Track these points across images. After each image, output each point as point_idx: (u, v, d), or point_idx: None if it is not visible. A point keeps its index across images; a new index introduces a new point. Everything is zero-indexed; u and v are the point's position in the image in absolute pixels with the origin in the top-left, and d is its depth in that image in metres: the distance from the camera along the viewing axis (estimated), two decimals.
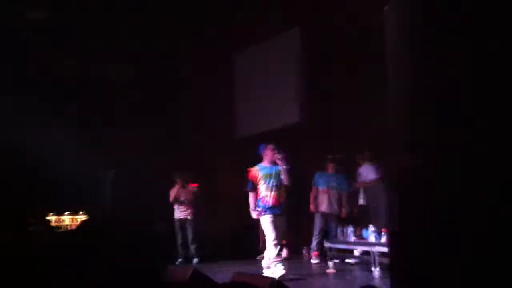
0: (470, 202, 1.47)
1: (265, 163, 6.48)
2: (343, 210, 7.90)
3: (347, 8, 7.70)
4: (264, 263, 6.35)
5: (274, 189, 6.33)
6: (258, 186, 6.39)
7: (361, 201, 7.97)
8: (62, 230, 11.90)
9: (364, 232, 6.77)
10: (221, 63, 10.33)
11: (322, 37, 8.50)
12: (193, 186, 9.13)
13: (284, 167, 6.29)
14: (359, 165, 7.98)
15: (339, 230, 7.17)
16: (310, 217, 8.14)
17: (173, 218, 9.05)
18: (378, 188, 7.47)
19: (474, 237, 1.49)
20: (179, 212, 9.03)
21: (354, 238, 6.89)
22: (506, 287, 1.45)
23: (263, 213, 6.30)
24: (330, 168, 8.05)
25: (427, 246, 1.58)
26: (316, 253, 7.83)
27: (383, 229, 6.31)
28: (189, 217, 8.99)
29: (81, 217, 12.16)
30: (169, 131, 9.83)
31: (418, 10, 1.84)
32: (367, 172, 7.82)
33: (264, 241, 6.73)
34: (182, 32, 9.14)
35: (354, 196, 8.06)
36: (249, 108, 10.02)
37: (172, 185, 9.07)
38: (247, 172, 6.57)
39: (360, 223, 7.21)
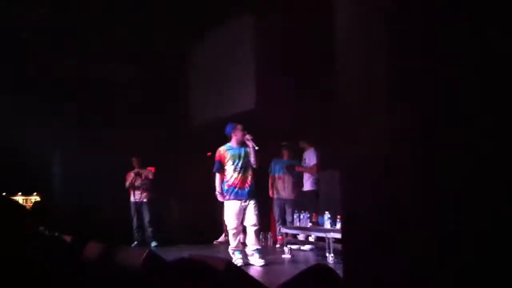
0: (471, 202, 1.50)
1: (233, 144, 6.24)
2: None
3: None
4: (248, 250, 6.18)
5: (241, 171, 6.05)
6: (225, 168, 6.14)
7: (306, 187, 8.08)
8: None
9: (320, 219, 6.87)
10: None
11: (279, 26, 8.48)
12: (148, 170, 9.07)
13: (253, 147, 6.06)
14: (304, 150, 8.17)
15: (295, 216, 7.25)
16: (265, 203, 8.21)
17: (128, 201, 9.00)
18: (331, 174, 7.58)
19: (475, 238, 1.52)
20: (134, 196, 8.98)
21: (310, 224, 6.99)
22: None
23: (227, 198, 6.06)
24: (285, 154, 8.21)
25: (427, 246, 1.60)
26: (280, 238, 7.85)
27: (338, 216, 6.42)
28: (144, 200, 8.95)
29: (34, 198, 11.96)
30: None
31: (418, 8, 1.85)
32: (310, 158, 7.99)
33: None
34: (182, 32, 9.02)
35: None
36: (204, 95, 9.97)
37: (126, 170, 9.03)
38: (213, 153, 6.45)
39: (304, 208, 7.32)
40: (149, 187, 9.01)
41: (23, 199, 12.12)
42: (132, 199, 9.00)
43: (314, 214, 7.05)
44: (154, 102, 9.74)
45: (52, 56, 8.73)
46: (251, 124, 8.11)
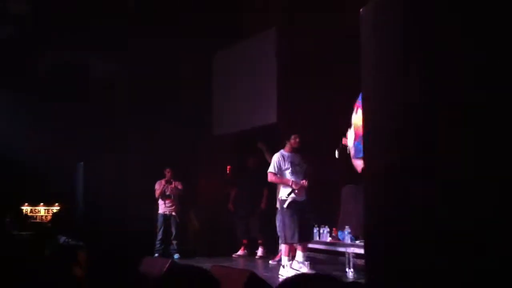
0: (468, 200, 1.52)
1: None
2: None
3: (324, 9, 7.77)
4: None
5: None
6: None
7: None
8: (37, 220, 11.86)
9: (340, 234, 6.83)
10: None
11: (299, 37, 8.55)
12: (177, 183, 9.11)
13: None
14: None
15: (315, 230, 7.21)
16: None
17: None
18: (350, 188, 7.51)
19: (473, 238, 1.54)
20: (164, 207, 9.01)
21: (330, 238, 6.96)
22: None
23: None
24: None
25: (452, 257, 1.62)
26: None
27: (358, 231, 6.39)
28: (173, 213, 8.99)
29: (56, 208, 12.10)
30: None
31: (397, 10, 1.90)
32: None
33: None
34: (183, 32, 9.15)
35: None
36: (226, 107, 10.05)
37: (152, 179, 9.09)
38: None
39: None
40: (178, 199, 9.07)
41: (45, 209, 12.28)
42: (160, 211, 9.03)
43: (334, 229, 7.01)
44: (173, 114, 9.80)
45: (50, 53, 8.83)
46: (273, 138, 8.16)
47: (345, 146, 5.89)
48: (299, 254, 6.46)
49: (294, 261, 6.44)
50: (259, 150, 8.20)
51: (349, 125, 5.96)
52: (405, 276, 1.87)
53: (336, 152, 5.89)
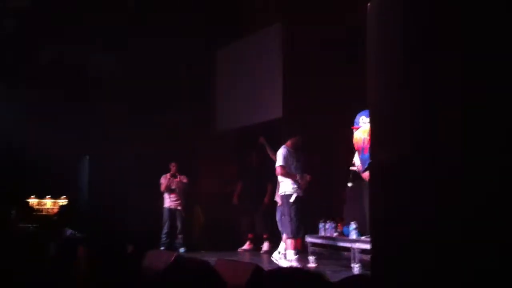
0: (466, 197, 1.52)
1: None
2: None
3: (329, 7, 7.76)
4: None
5: None
6: None
7: None
8: (44, 213, 11.97)
9: (345, 229, 6.83)
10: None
11: (303, 33, 8.53)
12: (182, 177, 9.16)
13: None
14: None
15: (321, 226, 7.21)
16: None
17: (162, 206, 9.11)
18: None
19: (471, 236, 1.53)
20: (170, 201, 9.06)
21: (336, 234, 6.95)
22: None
23: None
24: None
25: (457, 252, 1.61)
26: None
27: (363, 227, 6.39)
28: (179, 207, 9.04)
29: (62, 201, 12.20)
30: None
31: (401, 6, 1.88)
32: None
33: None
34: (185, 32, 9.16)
35: None
36: (229, 103, 10.04)
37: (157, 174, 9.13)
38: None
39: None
40: (183, 192, 9.11)
41: (52, 202, 12.39)
42: (166, 205, 9.08)
43: (339, 224, 7.01)
44: (173, 114, 9.81)
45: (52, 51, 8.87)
46: (277, 133, 8.15)
47: (356, 172, 6.03)
48: (282, 246, 6.68)
49: (276, 252, 6.71)
50: (261, 145, 8.24)
51: (353, 151, 6.07)
52: (405, 276, 1.87)
53: (350, 184, 6.17)
